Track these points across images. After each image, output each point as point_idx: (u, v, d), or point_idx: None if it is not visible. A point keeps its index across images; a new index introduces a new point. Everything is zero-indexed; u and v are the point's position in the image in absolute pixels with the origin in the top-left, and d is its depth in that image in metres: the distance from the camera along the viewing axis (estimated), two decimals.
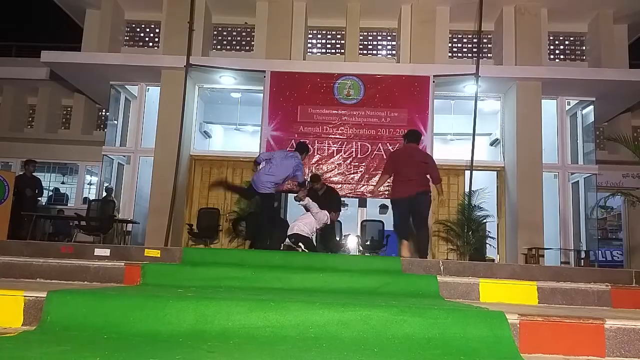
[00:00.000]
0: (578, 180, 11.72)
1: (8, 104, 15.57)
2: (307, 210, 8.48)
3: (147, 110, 12.05)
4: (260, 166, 8.25)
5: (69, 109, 15.85)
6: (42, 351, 2.29)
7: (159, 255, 5.58)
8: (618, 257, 14.58)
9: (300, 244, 7.91)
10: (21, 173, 11.16)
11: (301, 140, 9.23)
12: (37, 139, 15.07)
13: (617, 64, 11.52)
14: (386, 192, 10.50)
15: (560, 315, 2.94)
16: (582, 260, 10.70)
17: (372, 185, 10.54)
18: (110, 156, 12.08)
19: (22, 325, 2.87)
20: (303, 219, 8.26)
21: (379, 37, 12.67)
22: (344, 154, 10.70)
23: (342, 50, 12.36)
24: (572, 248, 11.19)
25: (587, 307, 4.32)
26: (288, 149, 9.67)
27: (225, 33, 12.75)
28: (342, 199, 10.36)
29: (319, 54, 12.70)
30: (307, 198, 8.42)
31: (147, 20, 12.75)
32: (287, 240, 8.08)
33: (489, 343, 2.66)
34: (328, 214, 8.43)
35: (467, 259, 9.78)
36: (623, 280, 5.37)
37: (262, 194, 7.91)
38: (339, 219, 9.59)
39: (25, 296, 2.93)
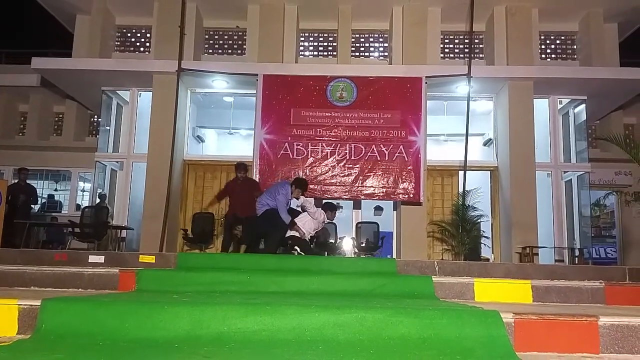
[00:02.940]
0: (571, 179, 11.76)
1: None
2: (304, 210, 8.49)
3: (140, 116, 12.01)
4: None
5: (60, 116, 15.78)
6: None
7: (153, 261, 5.58)
8: (612, 255, 14.64)
9: (296, 247, 7.92)
10: (15, 182, 11.12)
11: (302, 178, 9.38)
12: (28, 146, 15.00)
13: (608, 62, 11.59)
14: (381, 194, 10.58)
15: (554, 313, 2.96)
16: (577, 258, 10.74)
17: (366, 186, 10.57)
18: (103, 162, 12.02)
19: (17, 334, 2.86)
20: (299, 221, 8.27)
21: (371, 39, 12.69)
22: (338, 156, 10.70)
23: (335, 53, 12.37)
24: (566, 246, 11.23)
25: (581, 305, 4.34)
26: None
27: (216, 37, 12.73)
28: (336, 201, 10.40)
29: (311, 56, 12.71)
30: (302, 197, 8.41)
31: (137, 25, 12.71)
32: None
33: (484, 342, 2.67)
34: (324, 212, 8.44)
35: (462, 259, 9.80)
36: (617, 278, 5.42)
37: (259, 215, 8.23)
38: (334, 220, 9.62)
39: (19, 305, 2.92)
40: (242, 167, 9.04)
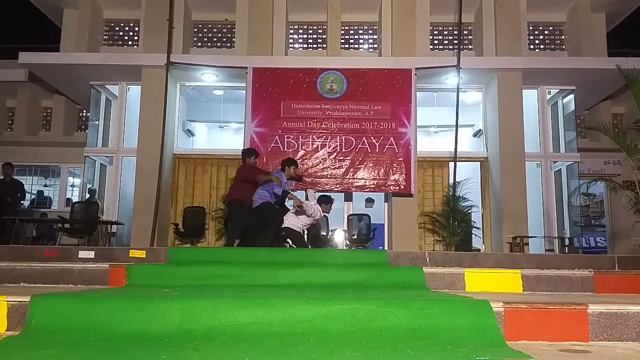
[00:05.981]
0: (560, 169, 11.82)
1: None
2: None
3: (129, 110, 11.90)
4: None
5: (49, 111, 15.62)
6: (26, 356, 2.27)
7: (144, 256, 5.56)
8: (602, 243, 14.77)
9: (288, 239, 7.91)
10: (0, 178, 11.01)
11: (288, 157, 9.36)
12: (17, 141, 14.85)
13: (596, 52, 11.65)
14: (372, 186, 10.59)
15: (544, 302, 2.98)
16: (566, 248, 10.82)
17: (357, 178, 10.57)
18: (92, 157, 11.94)
19: (6, 330, 2.85)
20: (296, 213, 8.27)
21: (361, 31, 12.66)
22: (329, 148, 10.69)
23: (324, 45, 12.33)
24: (556, 235, 11.30)
25: (571, 293, 4.38)
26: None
27: (205, 30, 12.65)
28: (328, 193, 10.41)
29: (301, 49, 12.66)
30: (302, 201, 8.38)
31: (125, 18, 12.61)
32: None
33: (474, 331, 2.68)
34: (320, 208, 8.44)
35: (453, 250, 9.85)
36: (606, 266, 5.46)
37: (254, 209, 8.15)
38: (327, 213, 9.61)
39: (8, 301, 2.90)
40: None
